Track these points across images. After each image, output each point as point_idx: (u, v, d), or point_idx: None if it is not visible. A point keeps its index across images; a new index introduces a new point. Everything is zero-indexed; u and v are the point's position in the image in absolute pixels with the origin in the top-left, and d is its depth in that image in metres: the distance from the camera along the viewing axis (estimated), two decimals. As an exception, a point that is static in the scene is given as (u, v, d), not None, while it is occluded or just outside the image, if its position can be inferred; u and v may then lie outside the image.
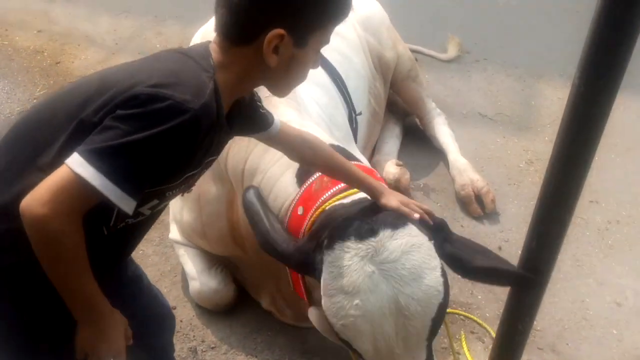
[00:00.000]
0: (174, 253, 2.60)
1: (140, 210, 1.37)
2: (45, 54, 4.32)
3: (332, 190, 1.83)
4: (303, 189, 1.88)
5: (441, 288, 1.57)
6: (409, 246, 1.57)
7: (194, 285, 2.44)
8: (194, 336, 2.40)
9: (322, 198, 1.82)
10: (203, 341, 2.38)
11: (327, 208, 1.77)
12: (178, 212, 2.46)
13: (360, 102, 2.89)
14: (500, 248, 2.75)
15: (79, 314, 1.30)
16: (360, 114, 2.82)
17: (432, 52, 4.13)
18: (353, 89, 2.80)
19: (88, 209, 1.20)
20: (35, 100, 3.81)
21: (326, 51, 2.42)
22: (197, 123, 1.22)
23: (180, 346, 2.35)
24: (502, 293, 2.30)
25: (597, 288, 2.62)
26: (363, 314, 1.52)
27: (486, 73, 4.06)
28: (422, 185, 3.15)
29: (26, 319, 1.39)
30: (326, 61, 2.67)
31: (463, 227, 2.88)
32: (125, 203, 1.19)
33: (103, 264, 1.33)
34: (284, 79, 1.41)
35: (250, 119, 1.54)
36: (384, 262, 1.54)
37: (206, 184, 2.25)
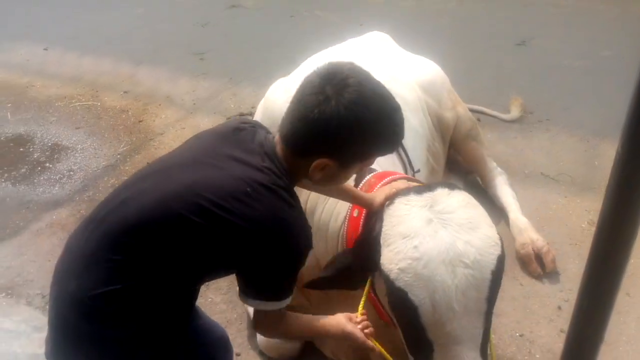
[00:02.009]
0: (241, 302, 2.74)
1: None
2: (130, 113, 4.70)
3: (378, 186, 1.98)
4: None
5: (499, 242, 1.62)
6: (465, 202, 1.67)
7: (262, 334, 2.56)
8: (256, 383, 2.52)
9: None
10: (265, 388, 2.49)
11: None
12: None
13: (419, 159, 3.00)
14: (559, 307, 2.75)
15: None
16: (418, 171, 2.93)
17: (495, 113, 4.22)
18: (411, 147, 2.91)
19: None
20: (119, 156, 4.13)
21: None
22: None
23: (243, 392, 2.47)
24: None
25: (663, 352, 2.57)
26: (421, 256, 1.55)
27: (549, 133, 4.10)
28: (482, 243, 3.19)
29: None
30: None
31: (522, 285, 2.90)
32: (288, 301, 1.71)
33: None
34: (324, 185, 1.73)
35: None
36: (442, 212, 1.61)
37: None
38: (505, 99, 4.38)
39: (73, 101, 4.93)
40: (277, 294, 1.67)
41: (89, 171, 4.01)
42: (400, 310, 1.65)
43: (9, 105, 4.92)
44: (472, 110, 3.68)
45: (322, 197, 2.18)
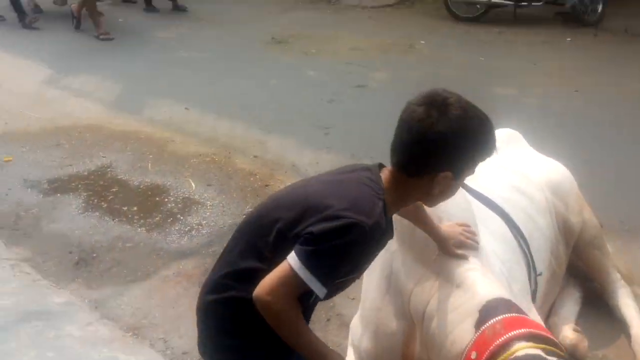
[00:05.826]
0: None
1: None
2: (257, 176, 5.00)
3: (504, 337, 1.95)
4: (477, 334, 2.02)
5: None
6: None
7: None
8: None
9: (496, 343, 1.94)
10: None
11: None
12: (358, 338, 2.68)
13: (543, 262, 3.00)
14: None
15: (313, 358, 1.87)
16: (540, 274, 2.92)
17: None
18: (536, 249, 2.92)
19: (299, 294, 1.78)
20: (244, 216, 4.37)
21: (512, 210, 2.69)
22: (369, 234, 1.77)
23: None
24: None
25: None
26: None
27: (680, 249, 3.94)
28: (600, 356, 3.09)
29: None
30: (511, 220, 2.85)
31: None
32: (321, 291, 1.78)
33: None
34: (438, 199, 1.98)
35: None
36: None
37: (387, 318, 2.45)
38: (624, 207, 4.27)
39: (207, 159, 5.32)
40: (315, 266, 1.74)
41: (215, 227, 4.29)
42: None
43: (150, 156, 5.38)
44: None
45: (441, 309, 2.20)
